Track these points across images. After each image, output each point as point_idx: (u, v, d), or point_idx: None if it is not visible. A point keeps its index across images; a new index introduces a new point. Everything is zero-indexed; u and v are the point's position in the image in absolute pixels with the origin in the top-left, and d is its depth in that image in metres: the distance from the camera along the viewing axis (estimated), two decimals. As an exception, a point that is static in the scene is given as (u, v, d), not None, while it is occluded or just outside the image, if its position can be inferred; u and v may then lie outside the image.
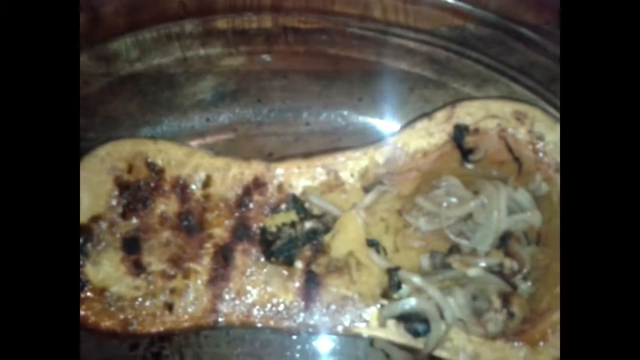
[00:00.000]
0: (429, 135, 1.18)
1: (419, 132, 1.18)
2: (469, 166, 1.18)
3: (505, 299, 1.12)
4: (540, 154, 1.15)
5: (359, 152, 1.19)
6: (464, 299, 1.10)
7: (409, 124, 1.20)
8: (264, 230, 1.17)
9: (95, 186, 1.17)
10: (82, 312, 1.14)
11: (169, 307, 1.15)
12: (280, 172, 1.19)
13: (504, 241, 1.14)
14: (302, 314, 1.15)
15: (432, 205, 1.17)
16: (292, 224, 1.16)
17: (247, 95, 1.37)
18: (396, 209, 1.20)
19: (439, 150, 1.18)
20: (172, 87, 1.35)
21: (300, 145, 1.34)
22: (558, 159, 1.14)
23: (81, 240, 1.15)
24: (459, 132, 1.16)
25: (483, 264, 1.12)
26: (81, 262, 1.15)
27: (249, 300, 1.15)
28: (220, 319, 1.15)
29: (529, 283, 1.15)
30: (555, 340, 1.09)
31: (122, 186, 1.18)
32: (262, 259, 1.16)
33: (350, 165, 1.19)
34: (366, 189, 1.18)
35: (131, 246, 1.17)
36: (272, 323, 1.15)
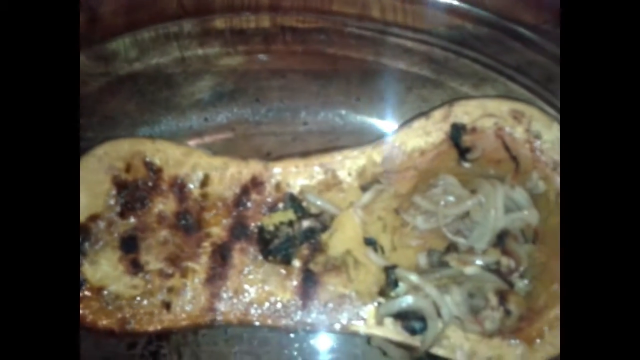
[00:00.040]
0: (426, 134, 1.18)
1: (416, 131, 1.18)
2: (466, 165, 1.18)
3: (502, 297, 1.12)
4: (538, 153, 1.15)
5: (357, 151, 1.19)
6: (460, 296, 1.10)
7: (406, 123, 1.20)
8: (261, 229, 1.17)
9: (93, 185, 1.18)
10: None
11: (167, 305, 1.16)
12: (277, 171, 1.19)
13: (501, 239, 1.14)
14: (299, 313, 1.15)
15: (429, 204, 1.17)
16: (290, 223, 1.17)
17: (245, 94, 1.37)
18: (394, 208, 1.20)
19: (436, 149, 1.18)
20: (170, 86, 1.36)
21: (298, 145, 1.34)
22: (555, 157, 1.15)
23: (79, 239, 1.16)
24: (456, 131, 1.16)
25: (480, 262, 1.12)
26: (79, 261, 1.15)
27: (247, 299, 1.16)
28: (218, 318, 1.16)
29: (526, 281, 1.15)
30: (551, 337, 1.10)
31: (120, 185, 1.18)
32: (260, 258, 1.17)
33: (347, 164, 1.19)
34: (364, 188, 1.18)
35: (129, 245, 1.17)
36: (269, 321, 1.15)
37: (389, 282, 1.12)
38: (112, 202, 1.18)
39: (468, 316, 1.11)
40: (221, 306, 1.16)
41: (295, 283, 1.16)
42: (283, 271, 1.16)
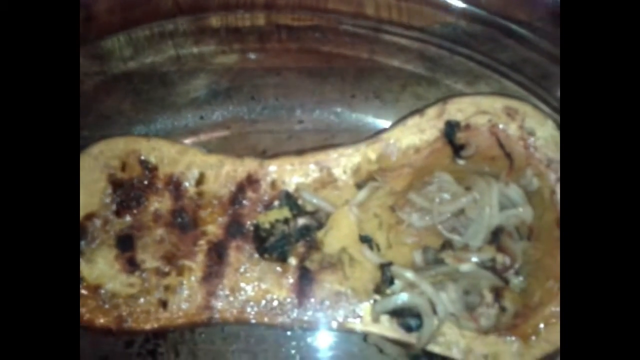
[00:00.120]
0: (420, 132, 1.18)
1: (410, 128, 1.18)
2: (461, 162, 1.19)
3: (498, 294, 1.13)
4: (531, 150, 1.16)
5: (352, 149, 1.19)
6: (456, 293, 1.11)
7: (400, 120, 1.20)
8: (257, 227, 1.17)
9: (89, 184, 1.18)
10: (76, 310, 1.14)
11: (164, 304, 1.16)
12: (273, 169, 1.19)
13: (496, 236, 1.15)
14: (296, 310, 1.15)
15: (424, 202, 1.18)
16: (285, 221, 1.17)
17: (241, 92, 1.37)
18: (389, 205, 1.20)
19: (430, 146, 1.18)
20: (165, 85, 1.36)
21: (293, 143, 1.34)
22: (549, 154, 1.15)
23: (75, 238, 1.16)
24: (450, 129, 1.17)
25: (475, 259, 1.13)
26: (75, 260, 1.15)
27: (243, 297, 1.16)
28: (214, 316, 1.16)
29: (521, 278, 1.15)
30: (547, 334, 1.10)
31: (116, 184, 1.19)
32: (256, 256, 1.17)
33: (342, 162, 1.19)
34: (359, 186, 1.19)
35: (125, 244, 1.17)
36: (266, 319, 1.16)
37: (385, 280, 1.12)
38: (107, 200, 1.18)
39: (463, 313, 1.11)
40: (218, 304, 1.16)
41: (291, 281, 1.16)
42: (279, 269, 1.17)
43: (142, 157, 1.19)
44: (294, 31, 1.35)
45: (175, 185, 1.19)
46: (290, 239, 1.16)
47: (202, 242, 1.18)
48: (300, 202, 1.19)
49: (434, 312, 1.09)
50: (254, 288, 1.16)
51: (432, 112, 1.18)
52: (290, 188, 1.19)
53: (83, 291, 1.15)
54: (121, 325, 1.15)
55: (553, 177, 1.14)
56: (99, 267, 1.16)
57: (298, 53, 1.37)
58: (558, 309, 1.10)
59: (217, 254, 1.17)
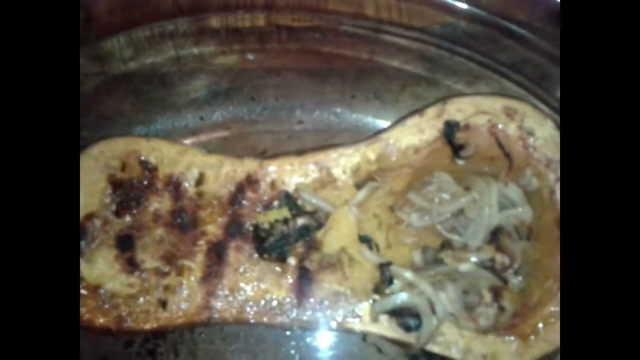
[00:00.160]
0: (420, 132, 1.18)
1: (410, 128, 1.19)
2: (460, 162, 1.19)
3: (496, 294, 1.13)
4: (531, 150, 1.16)
5: (351, 149, 1.19)
6: (455, 293, 1.11)
7: (400, 120, 1.21)
8: (256, 227, 1.17)
9: (89, 184, 1.18)
10: (76, 310, 1.14)
11: (163, 304, 1.16)
12: (272, 169, 1.19)
13: (495, 236, 1.15)
14: (295, 310, 1.15)
15: (424, 202, 1.18)
16: (285, 221, 1.17)
17: (241, 93, 1.37)
18: (388, 206, 1.20)
19: (430, 146, 1.18)
20: (165, 85, 1.36)
21: (293, 143, 1.34)
22: (548, 154, 1.15)
23: (75, 238, 1.16)
24: (450, 129, 1.17)
25: (474, 259, 1.13)
26: (75, 260, 1.16)
27: (243, 297, 1.16)
28: (214, 316, 1.16)
29: (520, 278, 1.15)
30: (546, 333, 1.10)
31: (116, 184, 1.19)
32: (255, 256, 1.17)
33: (342, 162, 1.19)
34: (358, 186, 1.19)
35: (125, 244, 1.17)
36: (265, 319, 1.16)
37: (384, 280, 1.12)
38: (107, 200, 1.19)
39: (462, 313, 1.11)
40: (217, 304, 1.16)
41: (290, 281, 1.16)
42: (278, 269, 1.17)
43: (142, 158, 1.20)
44: (294, 32, 1.35)
45: (175, 186, 1.19)
46: (289, 239, 1.16)
47: (201, 242, 1.18)
48: (299, 202, 1.19)
49: (433, 311, 1.09)
50: (254, 288, 1.16)
51: (431, 112, 1.19)
52: (290, 188, 1.19)
53: (83, 291, 1.15)
54: (121, 325, 1.15)
55: (552, 177, 1.14)
56: (99, 267, 1.17)
57: (298, 54, 1.37)
58: (557, 308, 1.10)
59: (217, 254, 1.17)
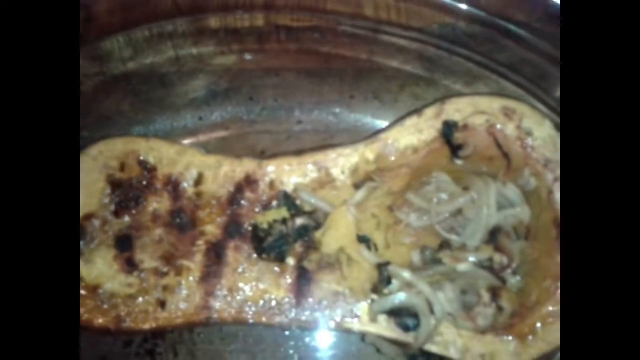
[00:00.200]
0: (418, 132, 1.18)
1: (408, 128, 1.19)
2: (459, 162, 1.19)
3: (495, 293, 1.13)
4: (529, 149, 1.16)
5: (350, 149, 1.19)
6: (453, 293, 1.11)
7: (398, 120, 1.21)
8: (255, 227, 1.17)
9: (88, 184, 1.18)
10: (75, 310, 1.14)
11: (162, 304, 1.16)
12: (271, 169, 1.19)
13: (494, 236, 1.15)
14: (293, 310, 1.15)
15: (422, 201, 1.18)
16: (284, 221, 1.17)
17: (240, 93, 1.37)
18: (387, 205, 1.21)
19: (428, 146, 1.18)
20: (164, 86, 1.36)
21: (292, 143, 1.35)
22: (546, 154, 1.15)
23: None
24: (448, 128, 1.17)
25: (473, 259, 1.13)
26: (74, 260, 1.16)
27: (241, 297, 1.16)
28: (212, 316, 1.16)
29: (518, 277, 1.15)
30: (544, 333, 1.10)
31: (115, 184, 1.19)
32: (254, 256, 1.17)
33: (340, 162, 1.19)
34: (357, 186, 1.19)
35: (124, 244, 1.18)
36: (264, 319, 1.16)
37: (382, 279, 1.13)
38: (106, 200, 1.19)
39: (461, 312, 1.11)
40: (216, 304, 1.16)
41: (289, 281, 1.16)
42: (277, 269, 1.17)
43: (141, 158, 1.20)
44: (293, 32, 1.35)
45: (173, 186, 1.19)
46: (288, 239, 1.16)
47: (200, 242, 1.18)
48: (298, 202, 1.19)
49: (431, 311, 1.09)
50: (252, 288, 1.16)
51: (429, 112, 1.19)
52: (289, 188, 1.19)
53: (82, 291, 1.15)
54: (120, 325, 1.15)
55: (550, 176, 1.15)
56: (98, 267, 1.17)
57: (297, 54, 1.37)
58: (555, 308, 1.10)
59: (216, 254, 1.17)
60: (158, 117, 1.36)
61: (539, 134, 1.16)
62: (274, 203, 1.19)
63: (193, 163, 1.20)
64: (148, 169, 1.20)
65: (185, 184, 1.19)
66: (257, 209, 1.19)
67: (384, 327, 1.14)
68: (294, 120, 1.36)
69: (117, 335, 1.22)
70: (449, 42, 1.31)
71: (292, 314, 1.16)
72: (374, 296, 1.14)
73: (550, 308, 1.11)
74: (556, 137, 1.15)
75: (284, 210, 1.18)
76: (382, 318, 1.14)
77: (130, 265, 1.17)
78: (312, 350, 1.24)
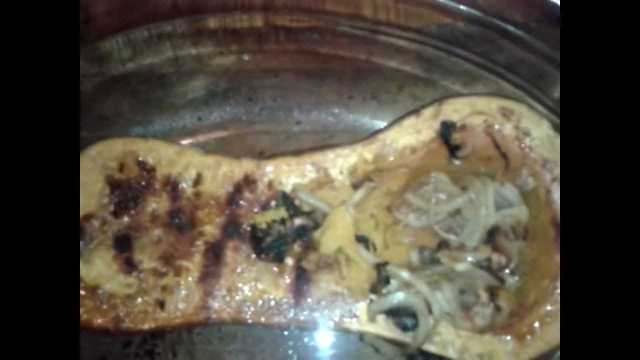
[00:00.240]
0: (416, 132, 1.19)
1: (406, 129, 1.19)
2: (457, 162, 1.19)
3: (493, 293, 1.13)
4: (527, 150, 1.16)
5: (348, 149, 1.20)
6: (451, 293, 1.11)
7: (397, 121, 1.21)
8: (254, 227, 1.18)
9: (87, 185, 1.18)
10: (74, 310, 1.15)
11: (161, 304, 1.16)
12: (270, 170, 1.20)
13: (492, 236, 1.15)
14: (292, 310, 1.16)
15: (421, 202, 1.18)
16: (282, 221, 1.17)
17: (239, 94, 1.37)
18: (385, 206, 1.21)
19: (426, 147, 1.19)
20: (163, 86, 1.36)
21: (291, 144, 1.35)
22: (544, 154, 1.15)
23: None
24: (446, 129, 1.17)
25: (471, 259, 1.13)
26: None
27: (240, 297, 1.16)
28: (211, 316, 1.16)
29: (517, 277, 1.16)
30: (542, 333, 1.10)
31: (114, 185, 1.19)
32: (253, 256, 1.17)
33: (339, 163, 1.20)
34: (355, 186, 1.19)
35: (123, 244, 1.18)
36: (263, 319, 1.16)
37: (380, 279, 1.13)
38: (105, 201, 1.19)
39: (459, 312, 1.11)
40: (215, 304, 1.16)
41: (288, 281, 1.16)
42: (276, 269, 1.17)
43: (140, 158, 1.20)
44: (292, 32, 1.35)
45: (172, 186, 1.20)
46: (287, 239, 1.17)
47: (199, 242, 1.18)
48: (297, 202, 1.19)
49: (430, 311, 1.10)
50: (251, 288, 1.16)
51: (428, 112, 1.19)
52: (287, 188, 1.19)
53: (81, 291, 1.16)
54: (119, 326, 1.15)
55: (548, 176, 1.15)
56: (97, 268, 1.17)
57: (296, 54, 1.37)
58: (553, 308, 1.11)
59: (214, 254, 1.17)
60: (157, 117, 1.36)
61: (537, 134, 1.16)
62: (273, 203, 1.19)
63: (192, 163, 1.20)
64: (147, 169, 1.20)
65: (184, 185, 1.20)
66: (255, 210, 1.19)
67: (383, 327, 1.14)
68: (293, 120, 1.37)
69: (117, 336, 1.22)
70: (448, 43, 1.32)
71: (291, 314, 1.16)
72: (373, 296, 1.14)
73: (549, 308, 1.11)
74: (554, 137, 1.15)
75: (283, 210, 1.18)
76: (380, 318, 1.14)
77: (130, 266, 1.17)
78: (311, 350, 1.24)
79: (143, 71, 1.35)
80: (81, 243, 1.17)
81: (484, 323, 1.12)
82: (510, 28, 1.26)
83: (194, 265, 1.17)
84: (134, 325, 1.16)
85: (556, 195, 1.14)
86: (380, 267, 1.13)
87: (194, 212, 1.19)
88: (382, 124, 1.31)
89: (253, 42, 1.36)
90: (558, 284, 1.11)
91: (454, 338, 1.12)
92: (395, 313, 1.12)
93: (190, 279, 1.17)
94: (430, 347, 1.12)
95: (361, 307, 1.15)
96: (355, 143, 1.21)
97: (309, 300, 1.16)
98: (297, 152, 1.22)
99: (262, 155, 1.29)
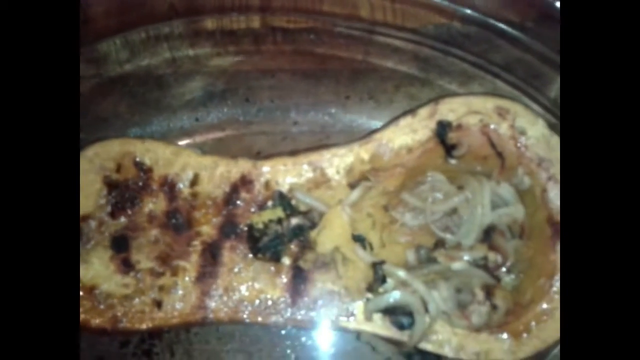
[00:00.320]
0: (412, 132, 1.19)
1: (402, 129, 1.19)
2: (453, 162, 1.19)
3: (489, 292, 1.13)
4: (522, 149, 1.16)
5: (345, 149, 1.20)
6: (448, 292, 1.11)
7: (393, 120, 1.21)
8: (251, 227, 1.18)
9: (85, 186, 1.18)
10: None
11: (158, 304, 1.16)
12: (266, 170, 1.20)
13: (488, 235, 1.15)
14: (289, 309, 1.16)
15: (417, 201, 1.18)
16: (279, 221, 1.17)
17: (236, 94, 1.38)
18: (382, 205, 1.21)
19: (423, 146, 1.19)
20: (161, 87, 1.37)
21: (288, 144, 1.35)
22: (540, 153, 1.16)
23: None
24: (442, 128, 1.17)
25: (467, 258, 1.13)
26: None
27: (237, 297, 1.16)
28: (209, 316, 1.16)
29: (513, 276, 1.16)
30: (538, 331, 1.11)
31: (111, 185, 1.19)
32: (250, 256, 1.17)
33: (336, 162, 1.20)
34: (352, 186, 1.19)
35: (120, 245, 1.18)
36: (260, 319, 1.16)
37: (377, 278, 1.13)
38: (102, 202, 1.19)
39: (455, 311, 1.11)
40: (212, 304, 1.16)
41: (284, 280, 1.17)
42: (273, 269, 1.17)
43: (137, 159, 1.20)
44: (289, 33, 1.36)
45: (169, 187, 1.20)
46: (283, 239, 1.17)
47: (196, 242, 1.18)
48: (293, 202, 1.19)
49: (426, 310, 1.10)
50: (248, 288, 1.17)
51: (424, 112, 1.19)
52: (284, 188, 1.20)
53: (79, 292, 1.16)
54: (116, 326, 1.16)
55: (544, 175, 1.15)
56: (94, 268, 1.17)
57: (293, 55, 1.38)
58: (549, 306, 1.11)
59: (211, 254, 1.18)
60: (155, 118, 1.36)
61: (533, 133, 1.16)
62: (270, 203, 1.19)
63: (189, 164, 1.20)
64: (144, 170, 1.20)
65: (181, 185, 1.20)
66: (252, 209, 1.19)
67: (380, 326, 1.14)
68: (290, 121, 1.37)
69: (114, 336, 1.22)
70: (444, 43, 1.32)
71: (288, 314, 1.16)
72: (369, 295, 1.14)
73: (545, 306, 1.11)
74: (549, 136, 1.16)
75: (280, 210, 1.18)
76: (377, 317, 1.14)
77: (127, 266, 1.17)
78: (309, 350, 1.25)
79: (140, 72, 1.36)
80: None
81: (480, 321, 1.12)
82: (506, 28, 1.26)
83: (191, 265, 1.17)
84: (131, 325, 1.16)
85: (552, 193, 1.15)
86: (376, 266, 1.13)
87: (191, 213, 1.19)
88: (379, 123, 1.31)
89: (250, 43, 1.37)
90: (554, 282, 1.12)
91: (450, 336, 1.12)
92: (392, 312, 1.12)
93: (187, 279, 1.17)
94: (427, 346, 1.13)
95: (358, 306, 1.15)
96: (351, 143, 1.21)
97: (306, 299, 1.16)
98: (294, 152, 1.22)
99: (260, 156, 1.29)
